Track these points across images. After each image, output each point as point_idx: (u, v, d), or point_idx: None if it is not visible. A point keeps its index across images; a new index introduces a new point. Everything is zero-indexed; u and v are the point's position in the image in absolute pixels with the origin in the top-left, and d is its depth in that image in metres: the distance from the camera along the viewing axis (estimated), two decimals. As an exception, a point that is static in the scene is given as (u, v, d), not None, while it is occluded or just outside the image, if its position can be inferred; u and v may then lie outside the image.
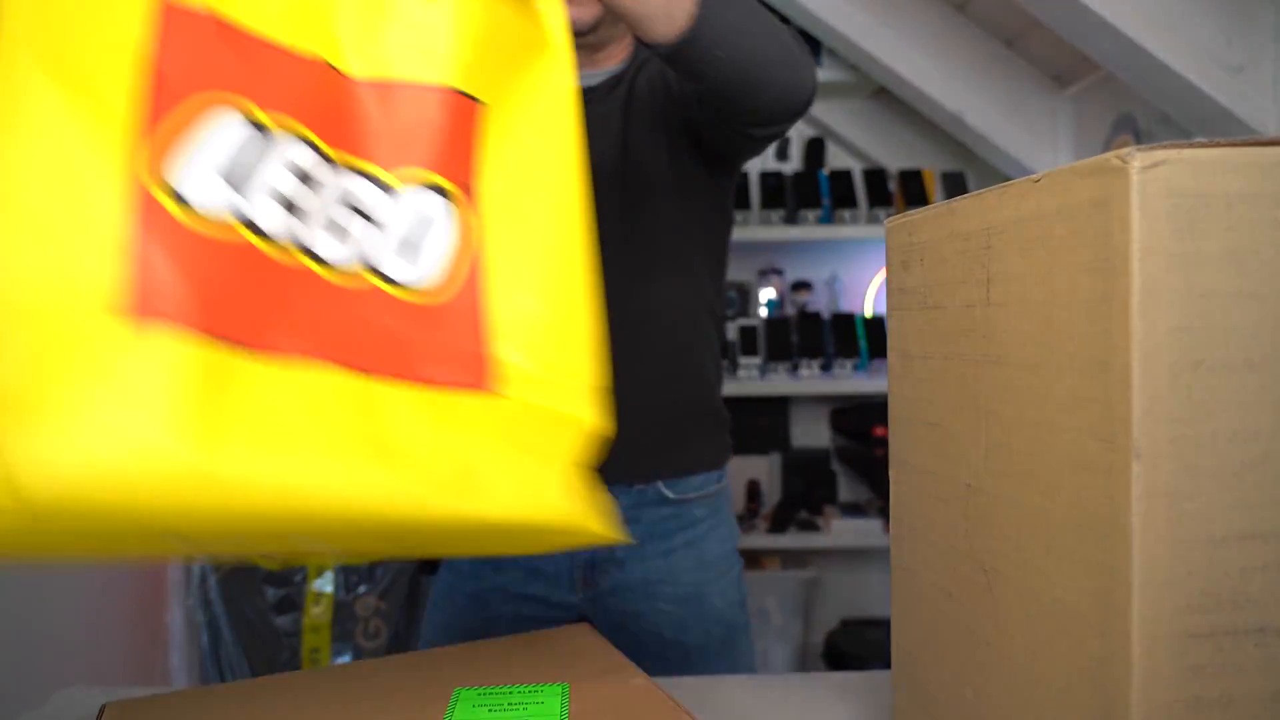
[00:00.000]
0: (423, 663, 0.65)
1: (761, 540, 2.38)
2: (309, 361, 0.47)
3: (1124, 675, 0.39)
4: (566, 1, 0.96)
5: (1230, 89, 1.42)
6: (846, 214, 2.40)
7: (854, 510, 2.48)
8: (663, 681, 0.66)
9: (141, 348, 0.40)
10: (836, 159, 2.73)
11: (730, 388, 2.16)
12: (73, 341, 0.39)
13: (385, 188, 0.54)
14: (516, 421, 0.55)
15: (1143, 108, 1.79)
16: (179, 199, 0.44)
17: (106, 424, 0.38)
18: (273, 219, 0.48)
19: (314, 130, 0.51)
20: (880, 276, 2.65)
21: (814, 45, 2.34)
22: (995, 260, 0.48)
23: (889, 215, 0.73)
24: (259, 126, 0.49)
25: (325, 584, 1.81)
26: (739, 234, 1.99)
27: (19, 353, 0.37)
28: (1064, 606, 0.43)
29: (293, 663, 1.80)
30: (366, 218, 0.53)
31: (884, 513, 2.40)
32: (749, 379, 2.39)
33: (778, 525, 2.41)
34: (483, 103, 0.57)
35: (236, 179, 0.47)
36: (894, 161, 2.58)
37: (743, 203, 2.43)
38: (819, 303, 2.63)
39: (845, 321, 2.47)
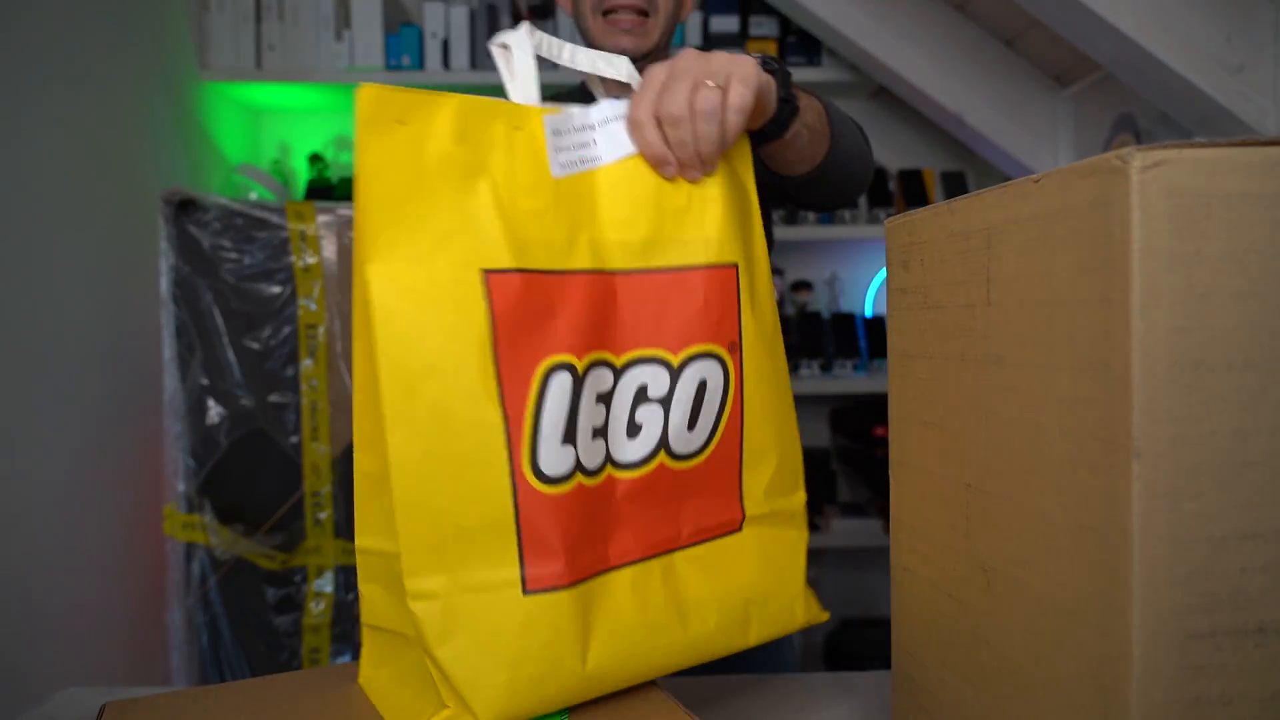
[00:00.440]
0: (423, 663, 0.65)
1: (762, 540, 2.38)
2: (633, 565, 0.58)
3: (1124, 675, 0.39)
4: (620, 34, 0.99)
5: (1230, 89, 1.41)
6: (846, 214, 2.40)
7: (854, 510, 2.47)
8: (663, 681, 0.66)
9: (540, 613, 0.52)
10: (836, 159, 2.73)
11: (730, 388, 2.15)
12: (503, 622, 0.52)
13: (669, 367, 0.59)
14: (765, 551, 0.64)
15: (1143, 108, 1.78)
16: (541, 476, 0.52)
17: (531, 675, 0.52)
18: (595, 457, 0.56)
19: (602, 343, 0.56)
20: (880, 276, 2.65)
21: (814, 45, 2.34)
22: (995, 260, 0.48)
23: (889, 215, 0.73)
24: (575, 372, 0.54)
25: (325, 584, 1.80)
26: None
27: (478, 642, 0.51)
28: (1064, 606, 0.43)
29: (293, 663, 1.80)
30: (656, 403, 0.58)
31: (884, 513, 2.40)
32: (749, 379, 2.38)
33: (778, 525, 2.40)
34: (737, 265, 0.61)
35: (570, 435, 0.54)
36: (894, 161, 2.58)
37: (742, 203, 2.42)
38: (819, 303, 2.63)
39: (845, 321, 2.47)
